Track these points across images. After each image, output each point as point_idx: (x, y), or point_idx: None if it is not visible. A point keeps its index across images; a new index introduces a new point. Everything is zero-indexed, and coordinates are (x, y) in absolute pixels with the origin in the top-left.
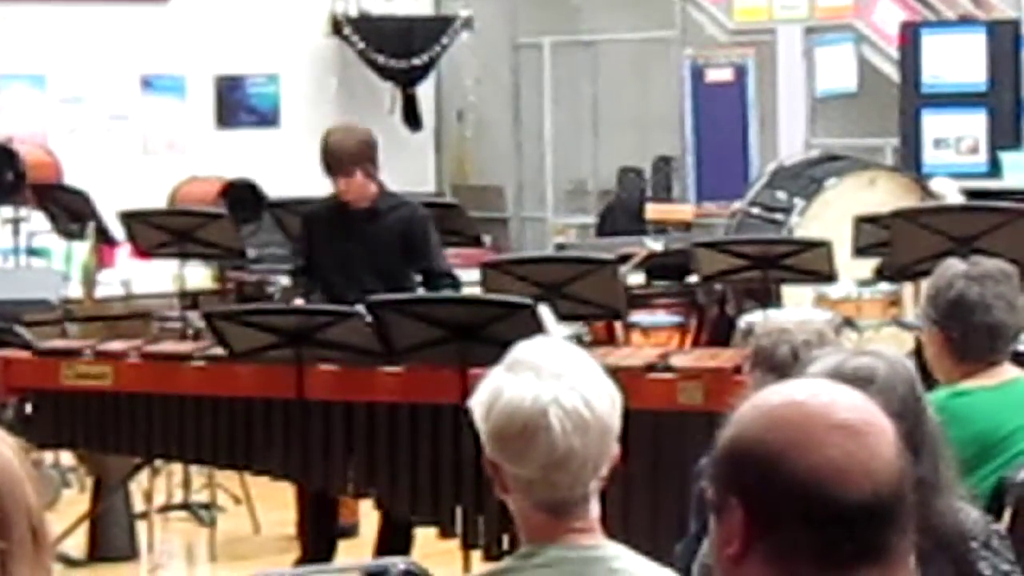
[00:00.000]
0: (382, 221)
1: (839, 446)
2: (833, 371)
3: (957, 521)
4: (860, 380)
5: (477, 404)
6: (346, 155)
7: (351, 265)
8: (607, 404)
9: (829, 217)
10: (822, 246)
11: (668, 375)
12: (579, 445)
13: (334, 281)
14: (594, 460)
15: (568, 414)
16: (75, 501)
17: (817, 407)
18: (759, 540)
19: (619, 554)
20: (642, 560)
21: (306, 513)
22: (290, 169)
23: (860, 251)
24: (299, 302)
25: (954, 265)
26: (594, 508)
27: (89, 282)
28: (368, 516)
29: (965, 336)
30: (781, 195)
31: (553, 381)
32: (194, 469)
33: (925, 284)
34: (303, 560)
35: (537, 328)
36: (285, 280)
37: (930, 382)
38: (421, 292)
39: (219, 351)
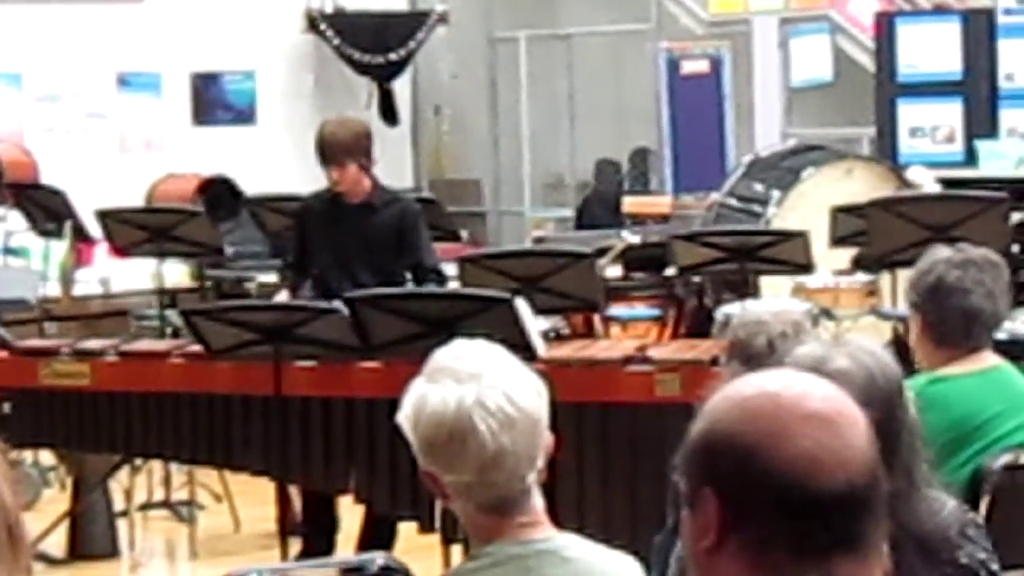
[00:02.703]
0: (377, 216)
1: (812, 437)
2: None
3: (936, 525)
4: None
5: (404, 418)
6: (340, 146)
7: (346, 259)
8: (532, 397)
9: (806, 208)
10: (799, 237)
11: (646, 368)
12: (509, 442)
13: (328, 275)
14: (527, 454)
15: (492, 414)
16: (55, 500)
17: (790, 398)
18: (734, 532)
19: (570, 543)
20: (594, 546)
21: (305, 509)
22: (267, 166)
23: (837, 241)
24: (282, 296)
25: (941, 251)
26: (537, 501)
27: (67, 281)
28: (349, 511)
29: (941, 320)
30: (758, 186)
31: (473, 383)
32: (174, 467)
33: (902, 273)
34: (304, 555)
35: (515, 322)
36: (263, 277)
37: (909, 370)
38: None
39: (197, 348)
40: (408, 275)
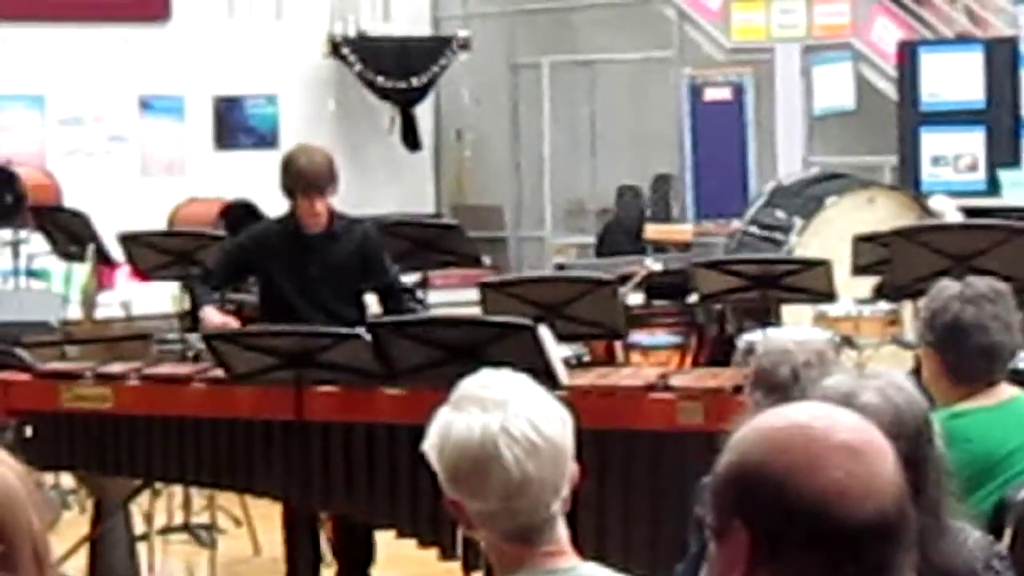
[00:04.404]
0: (340, 243)
1: (842, 467)
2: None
3: (962, 558)
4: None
5: (429, 447)
6: (322, 176)
7: (313, 289)
8: (556, 425)
9: (828, 236)
10: (821, 265)
11: (668, 395)
12: (534, 470)
13: (296, 305)
14: (552, 482)
15: (517, 441)
16: (75, 523)
17: (819, 429)
18: (764, 563)
19: (594, 573)
20: None
21: (291, 536)
22: None
23: (859, 270)
24: (212, 312)
25: (949, 287)
26: (562, 530)
27: (88, 304)
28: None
29: (962, 359)
30: (780, 214)
31: (498, 411)
32: (194, 491)
33: (923, 303)
34: None
35: (538, 349)
36: None
37: (932, 400)
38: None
39: (219, 373)
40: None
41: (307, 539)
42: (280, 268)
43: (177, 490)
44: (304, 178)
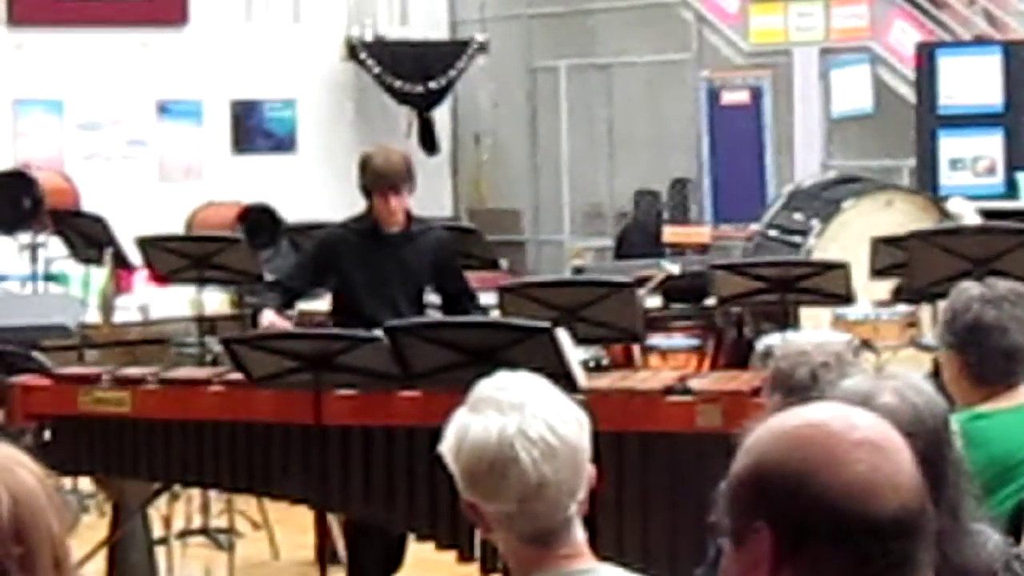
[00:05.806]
0: (415, 244)
1: (865, 461)
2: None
3: (981, 560)
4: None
5: (446, 449)
6: (399, 174)
7: (386, 288)
8: (573, 427)
9: (846, 239)
10: (840, 268)
11: (686, 398)
12: (551, 472)
13: (366, 303)
14: (569, 484)
15: (535, 443)
16: (94, 527)
17: (839, 426)
18: (789, 561)
19: (612, 575)
20: None
21: (350, 540)
22: (307, 193)
23: (877, 273)
24: (270, 313)
25: (970, 288)
26: (579, 532)
27: (107, 308)
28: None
29: (982, 360)
30: (798, 217)
31: (515, 413)
32: (213, 494)
33: (943, 305)
34: None
35: (556, 352)
36: (303, 304)
37: (951, 403)
38: (437, 315)
39: (237, 376)
40: (437, 301)
41: (369, 536)
42: (355, 265)
43: (195, 493)
44: (381, 177)
